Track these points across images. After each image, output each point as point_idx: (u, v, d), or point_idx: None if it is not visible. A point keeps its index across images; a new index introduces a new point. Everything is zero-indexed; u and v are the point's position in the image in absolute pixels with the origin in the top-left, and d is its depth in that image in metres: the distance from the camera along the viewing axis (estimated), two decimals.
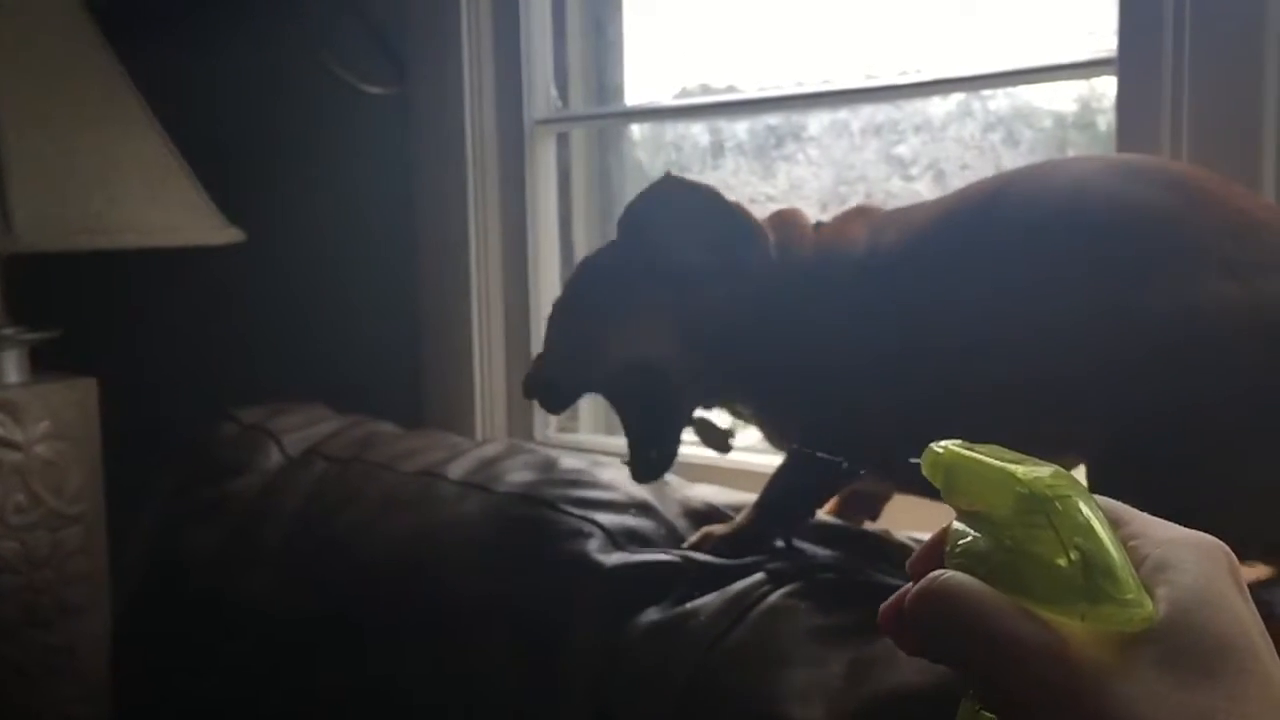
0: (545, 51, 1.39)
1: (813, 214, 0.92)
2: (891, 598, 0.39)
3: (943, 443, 0.39)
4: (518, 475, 0.98)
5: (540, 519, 0.90)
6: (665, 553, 0.83)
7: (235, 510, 1.05)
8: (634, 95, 1.41)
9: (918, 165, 1.15)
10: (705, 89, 1.33)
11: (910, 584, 0.38)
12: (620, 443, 1.29)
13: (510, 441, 1.19)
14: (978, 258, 0.79)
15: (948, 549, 0.38)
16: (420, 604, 0.87)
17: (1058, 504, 0.36)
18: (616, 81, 1.43)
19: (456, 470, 1.01)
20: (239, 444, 1.13)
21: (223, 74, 1.62)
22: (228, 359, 1.67)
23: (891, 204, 0.92)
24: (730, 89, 1.30)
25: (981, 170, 1.11)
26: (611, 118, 1.44)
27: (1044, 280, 0.75)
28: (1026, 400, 0.76)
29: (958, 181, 1.13)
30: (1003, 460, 0.38)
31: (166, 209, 1.39)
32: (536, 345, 1.40)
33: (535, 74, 1.38)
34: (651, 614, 0.76)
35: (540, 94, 1.39)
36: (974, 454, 0.38)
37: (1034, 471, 0.37)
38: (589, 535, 0.86)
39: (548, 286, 1.41)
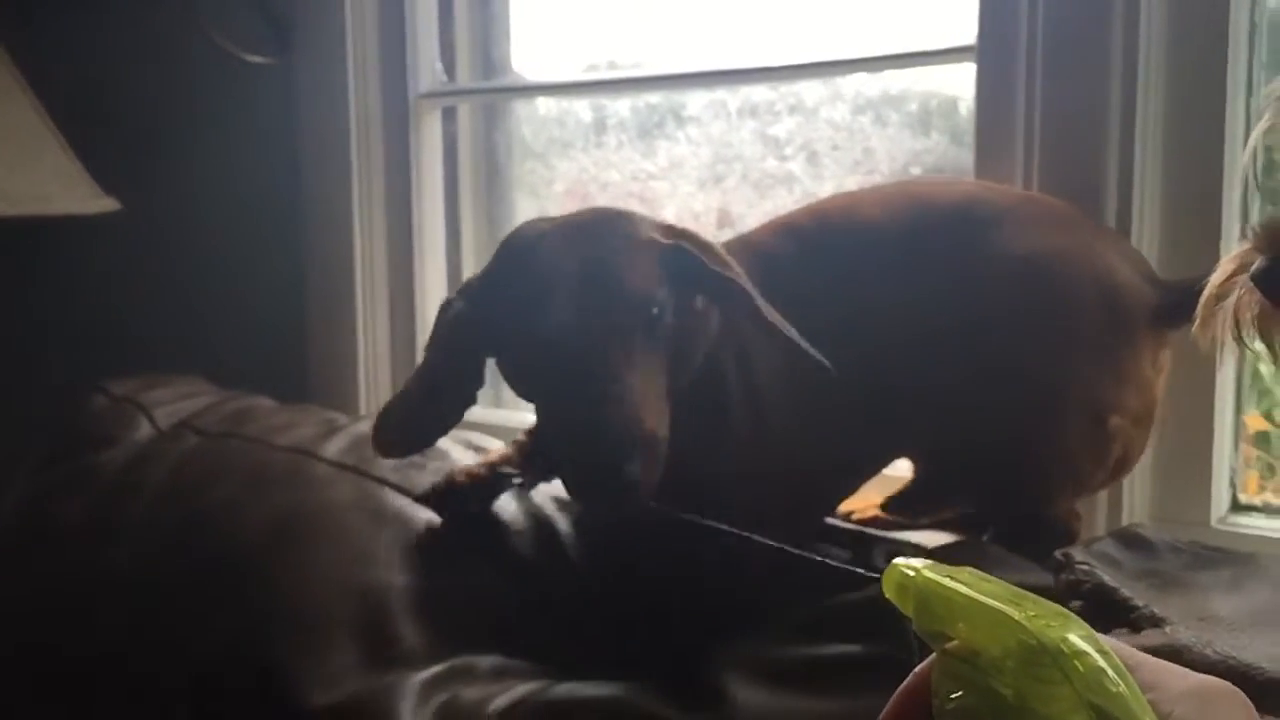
0: (430, 24, 1.38)
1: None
2: None
3: (910, 563, 0.35)
4: None
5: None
6: None
7: (102, 482, 1.03)
8: (521, 72, 1.41)
9: (791, 145, 1.17)
10: (594, 69, 1.34)
11: None
12: (501, 415, 1.31)
13: None
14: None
15: (936, 703, 0.34)
16: (282, 588, 0.87)
17: (1076, 662, 0.32)
18: (503, 57, 1.42)
19: (330, 449, 1.01)
20: (108, 416, 1.11)
21: (98, 38, 1.57)
22: (105, 332, 1.63)
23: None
24: (613, 66, 1.31)
25: (850, 152, 1.14)
26: (496, 93, 1.43)
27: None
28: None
29: (829, 162, 1.16)
30: (983, 592, 0.34)
31: (37, 177, 1.35)
32: (420, 322, 1.40)
33: (420, 46, 1.37)
34: None
35: (425, 67, 1.38)
36: (956, 585, 0.34)
37: (1038, 618, 0.33)
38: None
39: (433, 263, 1.41)
